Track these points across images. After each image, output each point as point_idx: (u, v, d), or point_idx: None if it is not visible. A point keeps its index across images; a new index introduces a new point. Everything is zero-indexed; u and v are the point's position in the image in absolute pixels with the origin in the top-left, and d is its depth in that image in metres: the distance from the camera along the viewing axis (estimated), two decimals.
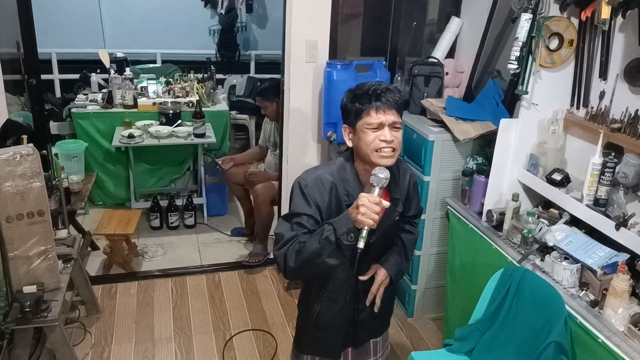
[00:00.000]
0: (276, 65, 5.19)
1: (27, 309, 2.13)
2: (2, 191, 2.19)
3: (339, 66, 2.89)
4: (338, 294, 1.72)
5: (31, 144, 2.31)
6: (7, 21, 3.20)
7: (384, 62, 2.89)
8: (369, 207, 1.42)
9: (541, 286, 1.98)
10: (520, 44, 2.20)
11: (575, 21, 2.21)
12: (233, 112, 5.16)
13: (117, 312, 3.04)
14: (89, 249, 3.59)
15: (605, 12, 1.81)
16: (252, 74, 6.12)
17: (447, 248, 2.84)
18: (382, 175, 1.48)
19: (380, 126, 1.53)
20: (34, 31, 3.19)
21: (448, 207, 2.74)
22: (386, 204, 1.47)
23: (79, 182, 3.28)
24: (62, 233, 2.73)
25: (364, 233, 1.44)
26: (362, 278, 1.72)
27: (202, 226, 4.16)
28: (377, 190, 1.46)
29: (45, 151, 2.70)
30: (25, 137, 2.51)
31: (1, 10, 3.19)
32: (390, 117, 1.54)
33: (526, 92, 2.29)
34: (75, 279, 2.77)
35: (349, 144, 1.63)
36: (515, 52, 2.21)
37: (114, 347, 2.77)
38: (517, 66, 2.23)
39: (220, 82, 5.47)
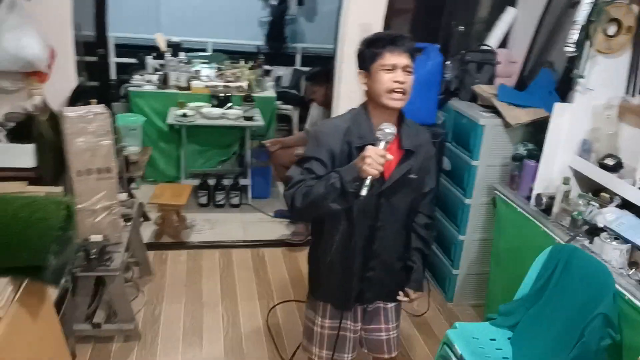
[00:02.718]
0: (322, 59, 5.29)
1: (93, 256, 2.26)
2: (75, 146, 2.33)
3: None
4: (348, 240, 1.77)
5: (102, 104, 2.46)
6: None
7: (437, 46, 2.93)
8: (375, 158, 1.53)
9: (590, 262, 2.00)
10: (579, 27, 2.22)
11: (635, 8, 2.22)
12: (278, 103, 5.27)
13: (168, 276, 3.18)
14: (142, 219, 3.73)
15: None
16: (297, 66, 6.23)
17: (490, 235, 2.87)
18: (388, 130, 1.59)
19: (393, 67, 1.65)
20: (106, 14, 3.41)
21: (495, 191, 2.76)
22: (390, 157, 1.58)
23: (136, 154, 3.43)
24: (123, 196, 2.86)
25: (367, 182, 1.55)
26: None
27: (246, 206, 4.28)
28: (382, 144, 1.58)
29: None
30: (95, 100, 2.65)
31: None
32: (403, 59, 1.65)
33: (582, 77, 2.31)
34: (132, 240, 2.89)
35: (364, 87, 1.74)
36: (574, 36, 2.24)
37: (165, 306, 2.90)
38: (574, 49, 2.26)
39: (266, 73, 5.59)
